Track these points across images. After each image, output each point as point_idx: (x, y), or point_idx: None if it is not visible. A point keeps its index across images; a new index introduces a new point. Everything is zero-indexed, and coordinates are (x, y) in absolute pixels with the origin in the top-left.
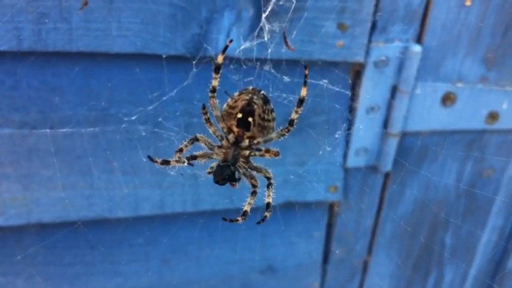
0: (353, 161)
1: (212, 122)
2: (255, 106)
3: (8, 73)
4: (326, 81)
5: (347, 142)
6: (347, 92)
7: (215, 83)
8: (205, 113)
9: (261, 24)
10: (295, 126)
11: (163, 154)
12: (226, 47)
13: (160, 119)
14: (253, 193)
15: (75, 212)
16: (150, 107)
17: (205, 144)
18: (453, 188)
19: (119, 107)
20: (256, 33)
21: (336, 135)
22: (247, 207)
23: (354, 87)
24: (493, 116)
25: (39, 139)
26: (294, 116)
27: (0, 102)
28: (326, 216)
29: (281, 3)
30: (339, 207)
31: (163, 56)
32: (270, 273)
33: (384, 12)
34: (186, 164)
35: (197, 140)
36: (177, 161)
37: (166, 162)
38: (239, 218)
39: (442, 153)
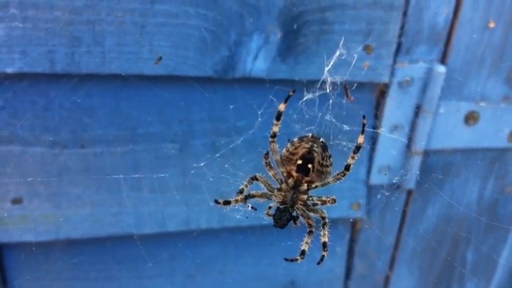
0: (376, 179)
1: (272, 165)
2: (315, 154)
3: (41, 94)
4: (339, 124)
5: (371, 160)
6: (371, 111)
7: (276, 129)
8: (267, 158)
9: (324, 77)
10: (351, 170)
11: (192, 172)
12: (288, 97)
13: (188, 139)
14: (310, 232)
15: (103, 229)
16: (178, 127)
17: (264, 184)
18: (475, 204)
19: (148, 126)
20: (318, 85)
21: (360, 153)
22: (304, 247)
23: (379, 106)
24: None
25: (70, 158)
26: (350, 161)
27: (33, 122)
28: (349, 232)
29: (343, 57)
30: (362, 224)
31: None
32: None
33: (409, 33)
34: (250, 207)
35: (256, 179)
36: (237, 201)
37: (227, 203)
38: (298, 258)
39: (465, 171)
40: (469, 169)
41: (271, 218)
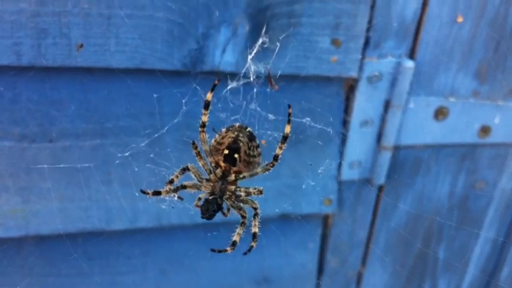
0: (347, 174)
1: (202, 155)
2: (241, 144)
3: (8, 87)
4: (309, 119)
5: (341, 155)
6: (341, 106)
7: (205, 118)
8: (195, 148)
9: (247, 65)
10: (279, 161)
11: (161, 167)
12: (214, 86)
13: (156, 134)
14: (242, 224)
15: (73, 224)
16: (147, 120)
17: (195, 175)
18: (446, 200)
19: (116, 120)
20: (242, 74)
21: (330, 149)
22: (236, 238)
23: (348, 101)
24: (485, 130)
25: (39, 152)
26: (278, 151)
27: (0, 116)
28: (321, 227)
29: (266, 45)
30: (334, 219)
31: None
32: (266, 285)
33: (377, 28)
34: (176, 197)
35: (188, 169)
36: (167, 192)
37: (157, 193)
38: (228, 248)
39: (435, 166)
40: (439, 164)
41: (199, 209)
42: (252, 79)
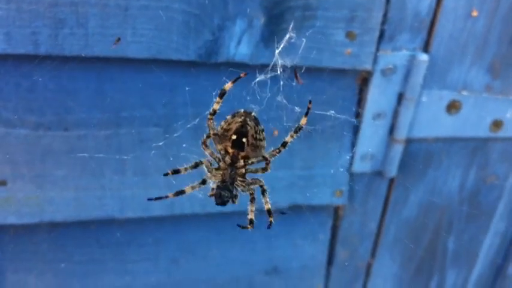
0: (359, 166)
1: (208, 144)
2: (248, 128)
3: (25, 76)
4: (333, 111)
5: (353, 147)
6: (354, 99)
7: (216, 106)
8: (203, 143)
9: (275, 59)
10: (286, 148)
11: (175, 157)
12: (238, 78)
13: (170, 122)
14: (253, 199)
15: (86, 212)
16: (162, 111)
17: (207, 167)
18: (457, 193)
19: (131, 110)
20: (270, 67)
21: (342, 141)
22: (251, 215)
23: (361, 94)
24: (497, 124)
25: (54, 140)
26: (288, 139)
27: (17, 104)
28: (331, 219)
29: (293, 40)
30: (344, 211)
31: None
32: (275, 274)
33: (392, 21)
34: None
35: (201, 163)
36: (167, 197)
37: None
38: (248, 226)
39: (447, 160)
40: (451, 158)
41: (213, 198)
42: (279, 72)
